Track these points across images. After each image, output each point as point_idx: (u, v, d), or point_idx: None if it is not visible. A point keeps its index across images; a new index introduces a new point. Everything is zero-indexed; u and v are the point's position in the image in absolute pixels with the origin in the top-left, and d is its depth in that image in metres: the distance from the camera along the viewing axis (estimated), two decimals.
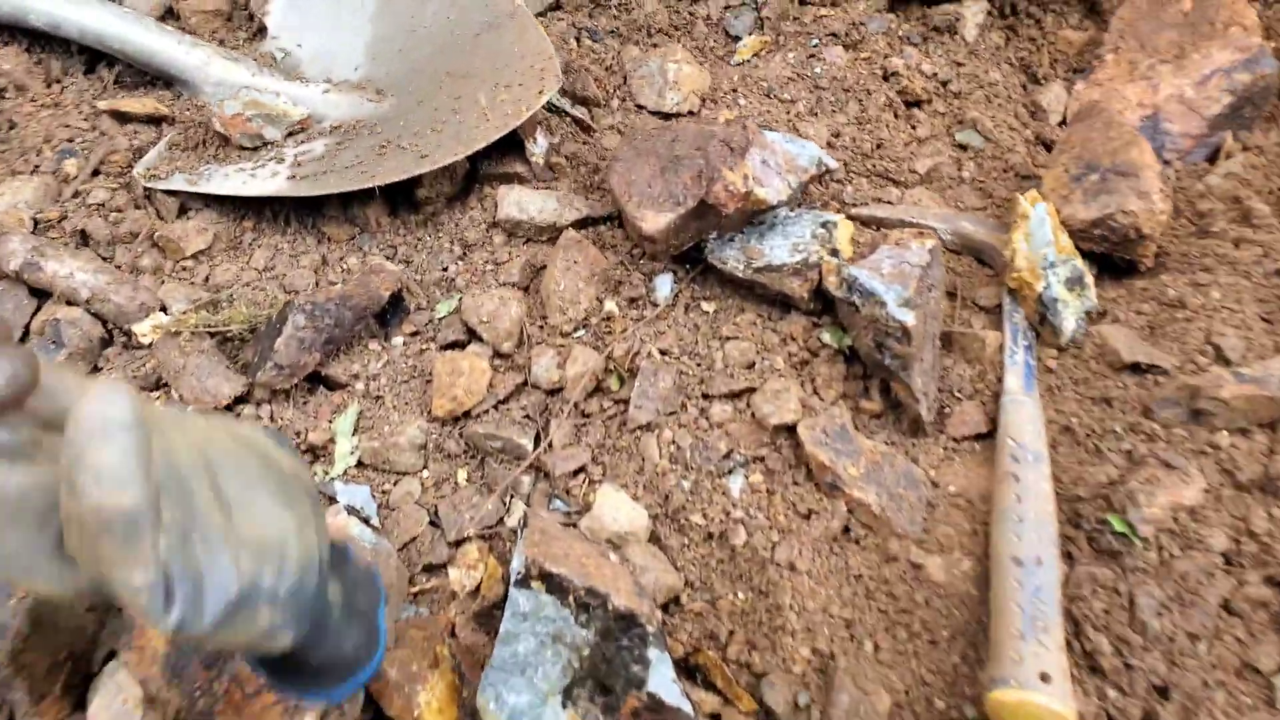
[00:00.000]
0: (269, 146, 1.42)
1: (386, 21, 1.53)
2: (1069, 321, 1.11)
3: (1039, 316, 1.13)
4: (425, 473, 1.13)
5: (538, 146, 1.29)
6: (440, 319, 1.23)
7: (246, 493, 0.51)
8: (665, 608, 1.00)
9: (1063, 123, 1.60)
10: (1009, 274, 1.17)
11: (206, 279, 1.30)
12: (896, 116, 1.54)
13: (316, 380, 1.20)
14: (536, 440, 1.12)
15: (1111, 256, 1.22)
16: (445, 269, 1.28)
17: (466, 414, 1.15)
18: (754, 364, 1.12)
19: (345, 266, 1.31)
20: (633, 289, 1.20)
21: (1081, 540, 0.96)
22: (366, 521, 1.08)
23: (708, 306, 1.20)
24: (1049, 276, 1.12)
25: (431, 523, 1.08)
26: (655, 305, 1.19)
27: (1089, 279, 1.14)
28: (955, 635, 0.94)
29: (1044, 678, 0.82)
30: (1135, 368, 1.07)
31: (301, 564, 0.54)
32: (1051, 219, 1.17)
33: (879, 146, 1.45)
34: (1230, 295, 1.11)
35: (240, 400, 1.16)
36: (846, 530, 1.02)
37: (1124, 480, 0.96)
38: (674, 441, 1.08)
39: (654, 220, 1.10)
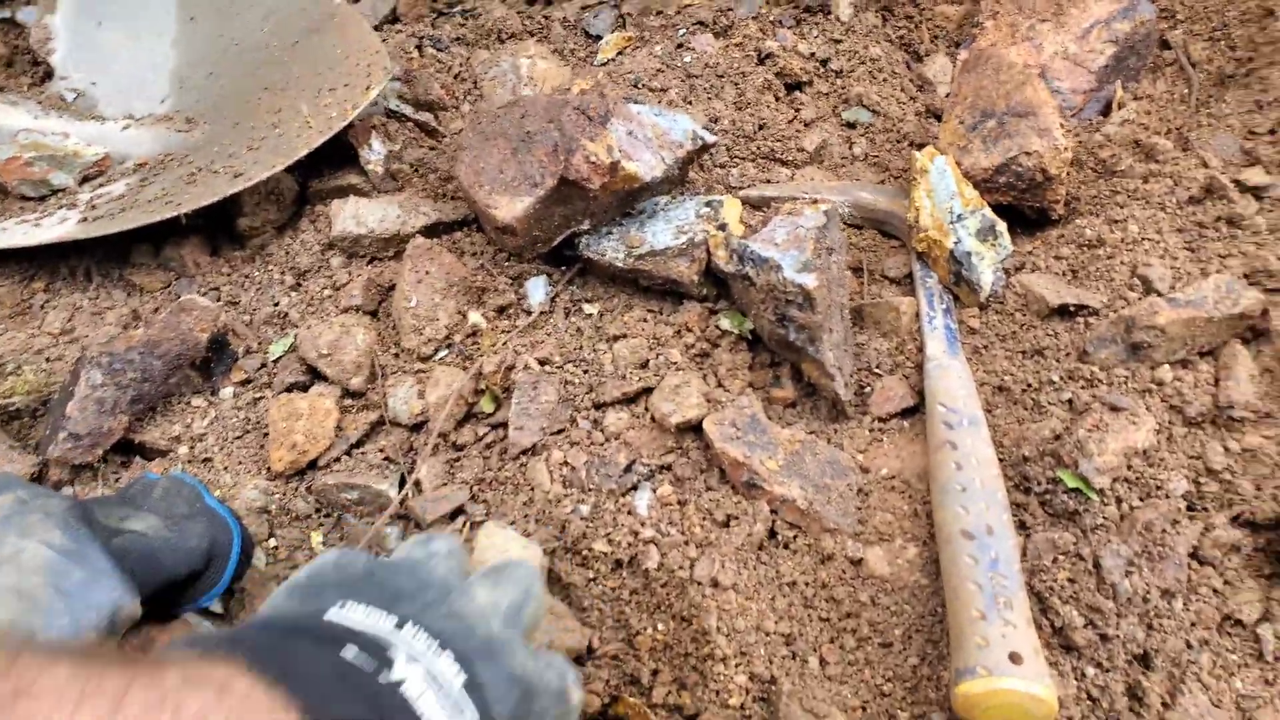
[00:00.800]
0: (60, 194, 1.33)
1: (192, 45, 1.47)
2: (986, 275, 1.09)
3: (953, 276, 1.11)
4: (271, 540, 1.02)
5: (374, 153, 1.23)
6: (275, 360, 1.14)
7: None
8: (576, 658, 0.92)
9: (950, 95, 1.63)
10: (915, 236, 1.15)
11: None
12: (778, 99, 1.53)
13: (129, 449, 1.09)
14: (402, 484, 1.03)
15: (1021, 207, 1.22)
16: (277, 304, 1.19)
17: (313, 464, 1.05)
18: (648, 362, 1.06)
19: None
20: (500, 296, 1.13)
21: (1034, 505, 0.92)
22: (206, 611, 0.97)
23: (590, 308, 1.14)
24: (958, 231, 1.11)
25: None
26: (528, 312, 1.13)
27: (1001, 226, 1.13)
28: (910, 633, 0.88)
29: (1014, 658, 0.77)
30: (1064, 311, 1.05)
31: None
32: (953, 170, 1.16)
33: (762, 128, 1.45)
34: (1149, 227, 1.11)
35: (35, 483, 1.04)
36: (773, 534, 0.96)
37: (1070, 431, 0.93)
38: (566, 462, 1.01)
39: (510, 207, 1.04)
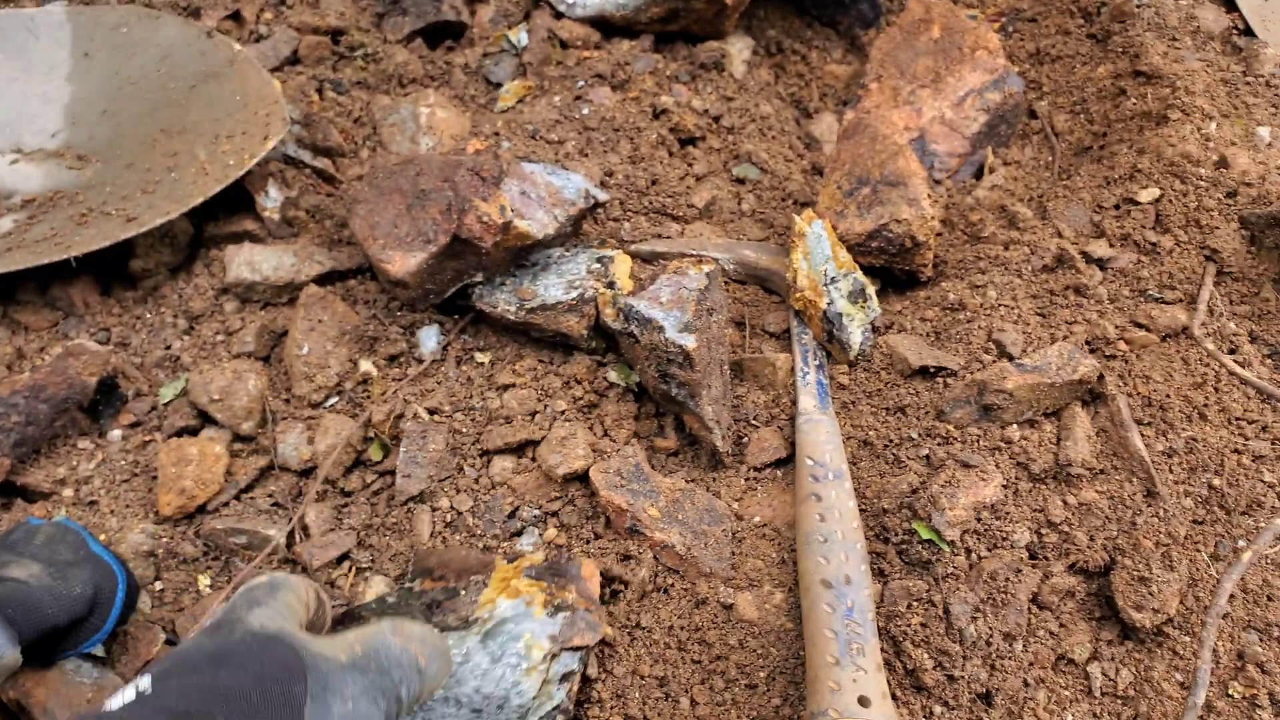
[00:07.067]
0: None
1: (87, 81, 1.46)
2: (855, 335, 1.18)
3: (826, 334, 1.19)
4: (158, 583, 1.03)
5: (270, 200, 1.25)
6: (166, 404, 1.15)
7: None
8: None
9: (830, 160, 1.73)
10: (793, 295, 1.23)
11: None
12: (671, 154, 1.60)
13: (10, 492, 1.08)
14: (292, 532, 1.05)
15: (893, 269, 1.31)
16: (168, 347, 1.20)
17: (202, 508, 1.06)
18: (537, 412, 1.11)
19: (48, 358, 1.21)
20: (391, 345, 1.17)
21: (892, 554, 1.00)
22: (89, 655, 0.97)
23: (482, 357, 1.18)
24: (831, 292, 1.19)
25: (169, 641, 0.99)
26: (420, 360, 1.16)
27: (870, 290, 1.21)
28: (774, 675, 0.94)
29: (863, 702, 0.83)
30: (925, 372, 1.14)
31: None
32: (829, 235, 1.24)
33: (654, 183, 1.51)
34: (1005, 294, 1.21)
35: None
36: (653, 578, 1.01)
37: (925, 486, 1.01)
38: (452, 507, 1.05)
39: (402, 262, 1.08)
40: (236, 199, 1.29)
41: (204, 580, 1.03)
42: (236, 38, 1.64)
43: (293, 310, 1.18)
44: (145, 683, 0.58)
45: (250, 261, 1.19)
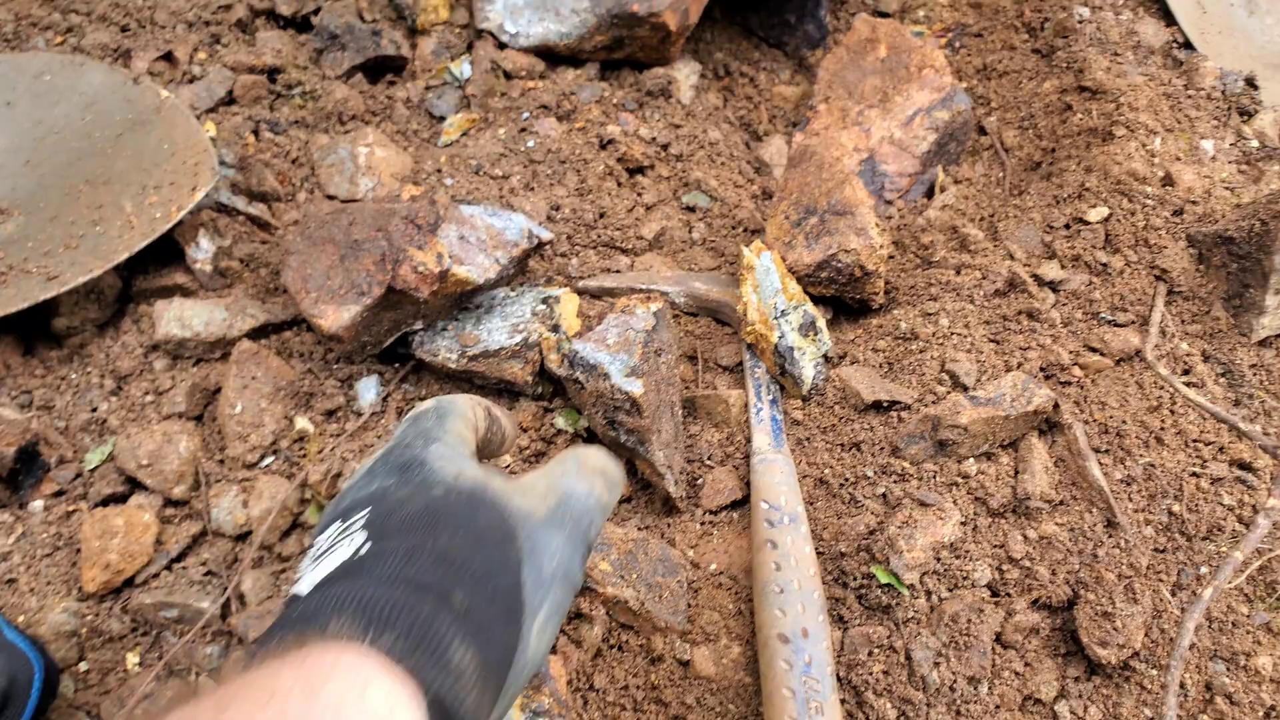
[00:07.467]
0: None
1: (9, 131, 1.41)
2: (808, 369, 1.15)
3: (779, 368, 1.16)
4: (82, 664, 0.98)
5: (201, 251, 1.20)
6: (91, 470, 1.10)
7: None
8: None
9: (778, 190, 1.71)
10: (745, 328, 1.20)
11: None
12: (619, 185, 1.57)
13: None
14: (227, 602, 1.00)
15: (844, 298, 1.28)
16: (95, 409, 1.15)
17: (129, 582, 1.01)
18: None
19: None
20: (329, 399, 1.12)
21: (851, 600, 0.97)
22: None
23: None
24: (782, 325, 1.16)
25: None
26: (359, 414, 1.12)
27: (821, 323, 1.18)
28: None
29: None
30: (878, 406, 1.11)
31: None
32: (778, 267, 1.21)
33: (602, 216, 1.48)
34: (958, 321, 1.19)
35: None
36: (606, 636, 0.97)
37: (883, 527, 0.98)
38: None
39: (335, 316, 1.04)
40: (167, 250, 1.24)
41: (132, 658, 0.98)
42: (169, 79, 1.59)
43: (225, 367, 1.14)
44: (360, 539, 0.52)
45: (180, 317, 1.14)
